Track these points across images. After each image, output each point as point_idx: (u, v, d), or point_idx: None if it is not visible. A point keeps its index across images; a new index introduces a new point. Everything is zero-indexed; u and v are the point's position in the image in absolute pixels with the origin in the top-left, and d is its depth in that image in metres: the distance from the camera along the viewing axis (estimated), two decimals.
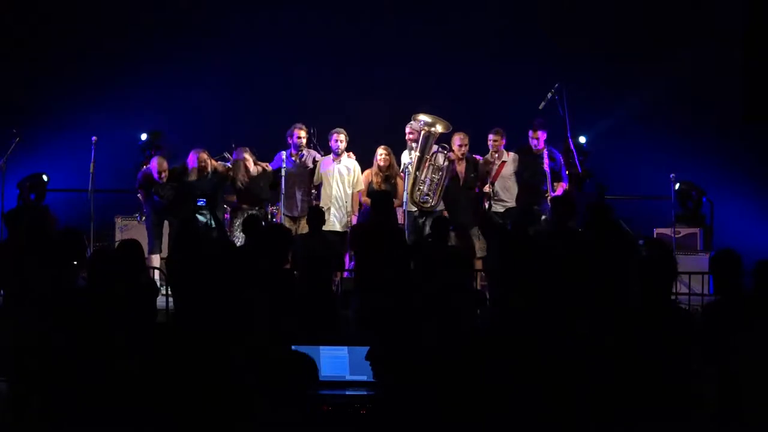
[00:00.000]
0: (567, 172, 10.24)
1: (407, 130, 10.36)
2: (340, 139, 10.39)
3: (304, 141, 10.45)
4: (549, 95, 10.29)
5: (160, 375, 5.08)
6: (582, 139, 11.32)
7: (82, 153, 10.90)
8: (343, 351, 5.72)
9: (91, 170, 10.44)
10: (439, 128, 10.15)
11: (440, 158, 10.19)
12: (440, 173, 10.16)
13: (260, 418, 4.34)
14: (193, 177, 10.18)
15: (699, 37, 12.20)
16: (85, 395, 5.18)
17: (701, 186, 11.40)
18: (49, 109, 12.45)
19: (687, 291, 9.54)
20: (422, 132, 10.11)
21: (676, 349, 5.04)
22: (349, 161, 10.42)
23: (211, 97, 12.25)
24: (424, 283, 5.54)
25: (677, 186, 11.10)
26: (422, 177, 10.12)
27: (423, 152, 10.13)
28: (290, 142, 10.45)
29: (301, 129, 10.44)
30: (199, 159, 10.18)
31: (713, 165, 11.90)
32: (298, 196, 10.37)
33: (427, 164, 10.13)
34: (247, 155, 10.34)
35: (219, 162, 10.44)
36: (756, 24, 12.07)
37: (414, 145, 10.23)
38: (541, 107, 10.35)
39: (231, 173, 10.36)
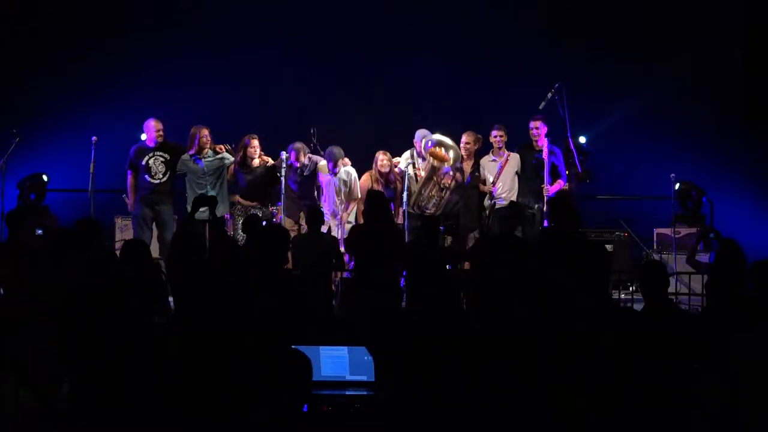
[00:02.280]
0: (567, 172, 10.24)
1: (419, 145, 10.22)
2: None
3: (302, 159, 10.28)
4: (549, 95, 10.28)
5: (161, 374, 5.08)
6: (582, 139, 11.32)
7: (82, 153, 10.90)
8: (343, 351, 5.73)
9: (91, 170, 10.42)
10: (449, 158, 10.01)
11: (447, 179, 10.15)
12: (445, 191, 10.12)
13: (259, 417, 4.34)
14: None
15: (699, 37, 12.20)
16: (87, 394, 5.19)
17: (701, 186, 11.40)
18: (49, 109, 12.46)
19: (687, 291, 9.55)
20: (430, 162, 10.02)
21: (676, 349, 5.05)
22: (345, 171, 10.33)
23: (211, 97, 12.25)
24: (418, 283, 5.54)
25: (677, 186, 11.10)
26: (425, 194, 10.08)
27: (430, 176, 10.06)
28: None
29: (298, 151, 10.21)
30: (200, 135, 10.18)
31: (713, 165, 11.90)
32: (300, 202, 10.35)
33: (432, 184, 10.09)
34: (255, 142, 10.29)
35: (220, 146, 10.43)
36: (756, 24, 12.06)
37: (420, 153, 10.16)
38: (541, 107, 10.35)
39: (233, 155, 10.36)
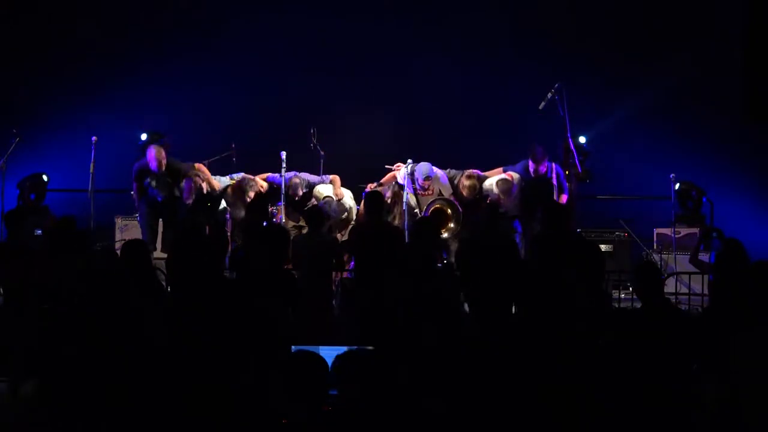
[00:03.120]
0: (566, 172, 10.23)
1: (419, 179, 10.14)
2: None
3: (299, 193, 10.30)
4: (549, 95, 10.27)
5: (162, 376, 5.08)
6: (582, 139, 11.31)
7: (82, 153, 10.90)
8: (343, 351, 5.72)
9: (91, 170, 10.43)
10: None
11: None
12: None
13: (261, 417, 4.34)
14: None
15: (699, 37, 12.20)
16: (86, 394, 5.19)
17: (701, 186, 11.40)
18: (49, 109, 12.46)
19: (687, 291, 9.54)
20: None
21: (675, 349, 5.05)
22: (343, 204, 10.29)
23: (211, 97, 12.25)
24: (417, 283, 5.54)
25: (677, 186, 11.10)
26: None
27: None
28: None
29: (296, 186, 10.26)
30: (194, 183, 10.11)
31: (713, 165, 11.91)
32: (300, 207, 10.35)
33: None
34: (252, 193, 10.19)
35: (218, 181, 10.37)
36: (756, 24, 12.06)
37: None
38: (541, 107, 10.35)
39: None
